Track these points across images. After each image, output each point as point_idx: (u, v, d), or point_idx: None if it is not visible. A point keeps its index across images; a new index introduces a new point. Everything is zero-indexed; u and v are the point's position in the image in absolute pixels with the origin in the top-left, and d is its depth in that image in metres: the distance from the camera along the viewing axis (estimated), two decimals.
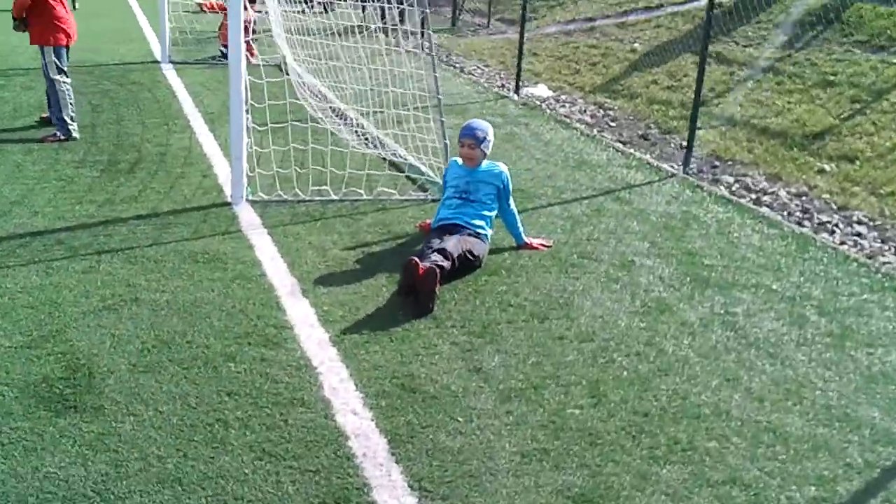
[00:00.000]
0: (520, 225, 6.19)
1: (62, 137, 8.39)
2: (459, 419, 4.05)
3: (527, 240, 6.21)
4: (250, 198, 6.89)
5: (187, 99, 10.27)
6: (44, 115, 8.92)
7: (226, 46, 11.18)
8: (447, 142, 7.36)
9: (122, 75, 11.67)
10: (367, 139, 8.15)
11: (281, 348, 4.60)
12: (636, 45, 13.87)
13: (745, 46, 12.36)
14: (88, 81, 11.16)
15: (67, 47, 8.49)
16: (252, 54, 11.26)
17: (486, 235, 5.92)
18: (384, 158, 7.79)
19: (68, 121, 8.43)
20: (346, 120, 9.00)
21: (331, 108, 9.24)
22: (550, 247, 6.25)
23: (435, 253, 5.40)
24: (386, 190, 7.15)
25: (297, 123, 7.64)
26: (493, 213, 6.07)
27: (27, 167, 7.47)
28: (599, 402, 4.27)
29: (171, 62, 12.63)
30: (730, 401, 4.36)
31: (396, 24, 8.49)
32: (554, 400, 4.26)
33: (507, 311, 5.19)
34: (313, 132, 7.67)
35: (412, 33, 8.12)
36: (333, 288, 5.38)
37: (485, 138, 5.97)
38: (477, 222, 5.90)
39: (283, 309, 5.06)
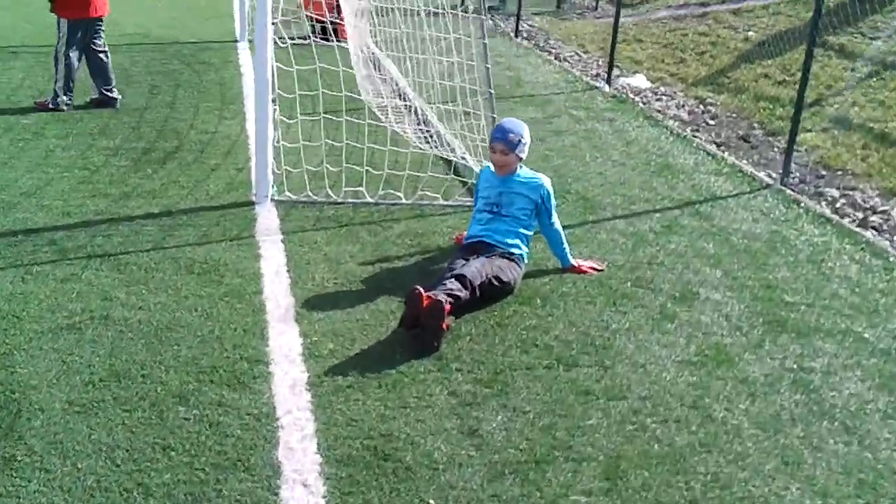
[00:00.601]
0: (565, 244, 5.34)
1: (50, 106, 8.14)
2: (431, 502, 3.28)
3: (574, 262, 5.35)
4: (276, 197, 6.25)
5: (251, 82, 9.69)
6: (93, 96, 8.53)
7: (315, 21, 10.54)
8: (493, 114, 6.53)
9: (192, 54, 11.23)
10: (428, 135, 7.38)
11: (246, 389, 3.92)
12: (750, 33, 12.64)
13: (872, 39, 11.01)
14: (156, 59, 10.75)
15: (93, 20, 8.20)
16: (343, 36, 10.61)
17: (521, 256, 5.10)
18: (441, 157, 6.99)
19: (60, 93, 8.20)
20: (409, 112, 8.27)
21: (395, 100, 8.54)
22: (602, 271, 5.38)
23: (452, 279, 4.62)
24: (429, 193, 6.39)
25: (330, 116, 6.92)
26: (531, 231, 5.23)
27: (56, 154, 7.03)
28: (614, 486, 3.43)
29: (250, 41, 12.10)
30: (784, 494, 3.45)
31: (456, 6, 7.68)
32: (557, 480, 3.44)
33: (529, 352, 4.38)
34: (350, 127, 6.95)
35: (465, 14, 7.31)
36: (333, 312, 4.67)
37: (520, 141, 5.14)
38: (510, 241, 5.08)
39: (266, 337, 4.38)
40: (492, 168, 5.29)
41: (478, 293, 4.66)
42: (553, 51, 13.43)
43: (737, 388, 4.17)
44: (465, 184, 6.71)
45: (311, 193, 6.30)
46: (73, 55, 8.16)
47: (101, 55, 8.41)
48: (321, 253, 5.42)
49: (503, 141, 5.11)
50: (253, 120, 7.80)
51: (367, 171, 6.54)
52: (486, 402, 3.94)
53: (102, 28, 8.41)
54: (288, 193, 6.30)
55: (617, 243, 5.85)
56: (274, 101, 6.08)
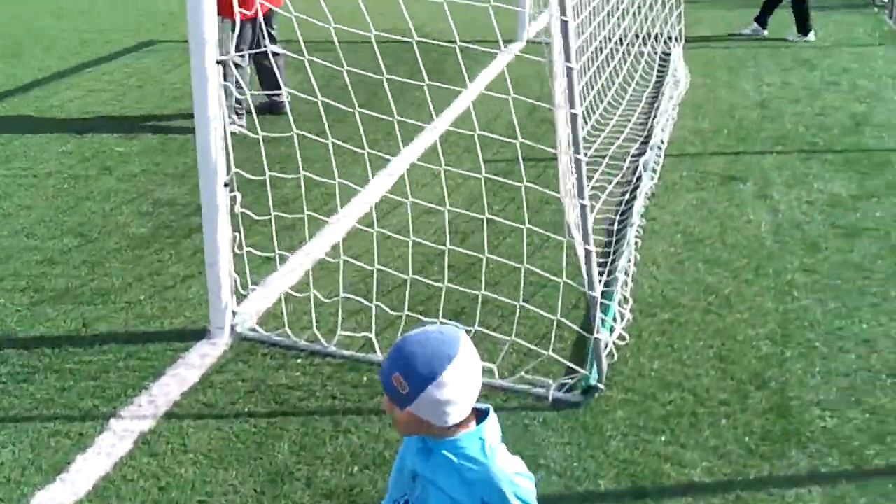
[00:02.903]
0: None
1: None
2: None
3: None
4: (241, 330, 3.95)
5: (461, 105, 7.23)
6: (258, 101, 6.84)
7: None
8: (590, 247, 3.53)
9: (439, 57, 8.88)
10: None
11: None
12: None
13: None
14: (382, 63, 8.59)
15: (254, 21, 6.41)
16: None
17: None
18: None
19: (230, 113, 6.33)
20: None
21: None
22: None
23: None
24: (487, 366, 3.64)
25: (319, 215, 4.41)
26: None
27: (79, 209, 5.36)
28: None
29: (531, 42, 9.60)
30: None
31: None
32: None
33: None
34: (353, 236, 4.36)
35: None
36: None
37: (410, 394, 2.22)
38: None
39: None
40: None
41: None
42: None
43: None
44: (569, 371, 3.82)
45: (289, 332, 3.90)
46: (243, 62, 6.56)
47: (274, 57, 6.68)
48: (155, 489, 3.05)
49: (383, 381, 2.27)
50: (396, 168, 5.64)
51: (377, 306, 3.92)
52: None
53: (274, 25, 6.78)
54: (257, 327, 3.96)
55: None
56: (227, 184, 3.75)
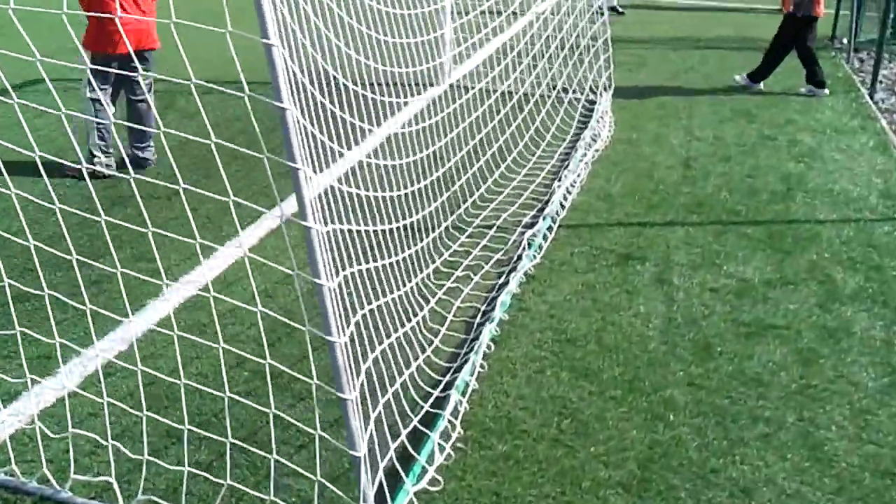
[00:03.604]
0: None
1: (84, 170, 5.74)
2: None
3: None
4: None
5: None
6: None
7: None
8: (348, 396, 2.75)
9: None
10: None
11: None
12: None
13: None
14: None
15: (121, 56, 5.90)
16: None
17: None
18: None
19: (95, 151, 6.14)
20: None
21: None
22: None
23: None
24: None
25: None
26: None
27: None
28: None
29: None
30: None
31: None
32: None
33: None
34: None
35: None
36: None
37: None
38: None
39: None
40: None
41: None
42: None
43: None
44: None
45: (16, 470, 3.10)
46: (104, 98, 6.03)
47: (140, 104, 6.22)
48: None
49: None
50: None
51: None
52: None
53: (148, 67, 6.13)
54: (15, 469, 3.17)
55: None
56: None
